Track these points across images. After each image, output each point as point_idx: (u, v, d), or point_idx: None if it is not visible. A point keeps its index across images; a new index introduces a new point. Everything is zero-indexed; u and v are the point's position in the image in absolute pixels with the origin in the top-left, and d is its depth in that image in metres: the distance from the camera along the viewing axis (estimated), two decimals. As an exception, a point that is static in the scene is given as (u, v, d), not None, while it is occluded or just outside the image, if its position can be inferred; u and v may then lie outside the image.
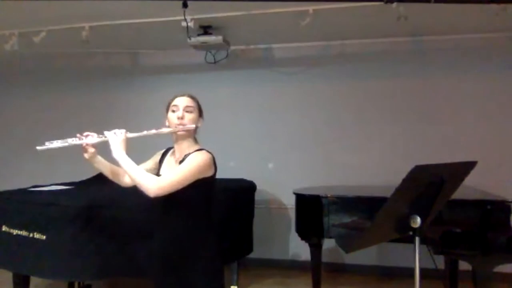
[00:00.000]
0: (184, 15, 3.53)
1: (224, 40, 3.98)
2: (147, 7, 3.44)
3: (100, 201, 2.94)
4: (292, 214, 3.63)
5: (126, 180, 2.04)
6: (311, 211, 3.41)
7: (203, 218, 1.93)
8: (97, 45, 4.51)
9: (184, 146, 1.96)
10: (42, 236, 2.87)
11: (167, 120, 2.00)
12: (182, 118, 1.92)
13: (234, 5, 3.43)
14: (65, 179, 3.87)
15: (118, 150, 1.88)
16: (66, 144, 1.96)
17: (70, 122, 5.31)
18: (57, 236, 2.84)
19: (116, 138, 1.91)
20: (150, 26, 3.88)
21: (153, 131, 1.95)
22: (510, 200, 2.91)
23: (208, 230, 1.94)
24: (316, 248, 3.49)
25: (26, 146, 5.37)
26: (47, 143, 1.93)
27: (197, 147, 1.96)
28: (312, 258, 3.51)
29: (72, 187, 3.61)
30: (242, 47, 4.77)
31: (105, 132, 1.95)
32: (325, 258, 3.62)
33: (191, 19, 3.64)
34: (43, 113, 5.38)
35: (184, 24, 3.62)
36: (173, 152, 2.03)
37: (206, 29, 3.96)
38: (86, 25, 3.82)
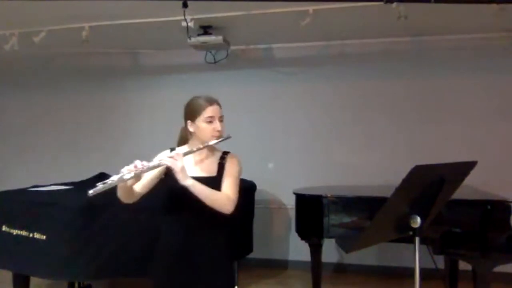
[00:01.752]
0: (184, 15, 3.53)
1: (224, 40, 3.98)
2: (147, 7, 3.43)
3: (100, 201, 2.93)
4: (292, 214, 3.64)
5: (136, 197, 1.93)
6: (311, 211, 3.41)
7: (221, 216, 1.91)
8: (97, 45, 4.51)
9: (208, 150, 1.98)
10: (42, 236, 2.87)
11: (191, 126, 1.94)
12: (220, 131, 1.92)
13: (234, 5, 3.43)
14: (65, 179, 3.87)
15: (185, 176, 1.78)
16: (121, 180, 1.71)
17: (70, 122, 5.32)
18: (57, 236, 2.84)
19: (178, 164, 1.77)
20: (150, 26, 3.88)
21: (201, 146, 1.89)
22: (510, 200, 2.92)
23: (224, 228, 1.97)
24: (316, 248, 3.49)
25: (26, 146, 5.43)
26: (98, 185, 1.67)
27: (217, 149, 2.01)
28: (312, 258, 3.51)
29: (72, 187, 3.61)
30: (242, 47, 4.77)
31: (163, 160, 1.80)
32: (325, 258, 3.62)
33: (191, 19, 3.64)
34: (43, 113, 5.39)
35: (184, 24, 3.62)
36: (188, 148, 1.98)
37: (206, 29, 3.96)
38: (86, 25, 3.81)
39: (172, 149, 2.04)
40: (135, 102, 5.12)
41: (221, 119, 1.95)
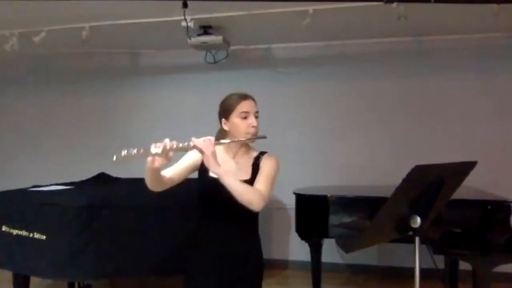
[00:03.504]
0: (184, 15, 3.53)
1: (224, 40, 3.98)
2: (147, 7, 3.43)
3: (100, 201, 2.94)
4: (292, 214, 3.63)
5: (164, 185, 1.80)
6: (311, 211, 3.41)
7: (255, 216, 1.89)
8: (97, 45, 4.52)
9: (243, 150, 1.91)
10: (42, 236, 2.86)
11: (226, 124, 1.86)
12: (256, 127, 1.83)
13: (234, 5, 3.43)
14: (65, 179, 3.87)
15: (216, 163, 1.69)
16: (146, 152, 1.59)
17: (70, 122, 5.32)
18: (57, 236, 2.84)
19: (210, 148, 1.68)
20: (150, 26, 3.88)
21: (237, 139, 1.82)
22: (510, 200, 2.92)
23: (257, 228, 1.94)
24: (316, 248, 3.50)
25: (26, 146, 5.43)
26: (124, 151, 1.54)
27: (254, 149, 1.94)
28: (312, 258, 3.51)
29: (72, 187, 3.61)
30: (242, 47, 4.77)
31: (194, 141, 1.69)
32: (325, 258, 3.62)
33: (191, 19, 3.64)
34: (43, 113, 5.39)
35: (184, 24, 3.62)
36: (223, 149, 1.91)
37: (206, 29, 3.96)
38: (86, 25, 3.81)
39: None
40: (135, 102, 5.12)
41: (256, 115, 1.86)
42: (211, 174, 1.81)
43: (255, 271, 1.92)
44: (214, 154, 1.69)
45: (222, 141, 1.80)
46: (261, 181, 1.81)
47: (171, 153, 1.64)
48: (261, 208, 1.74)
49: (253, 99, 1.88)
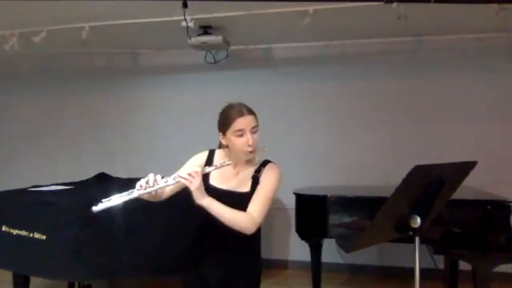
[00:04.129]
0: (184, 15, 3.53)
1: (224, 40, 3.98)
2: (147, 7, 3.43)
3: (100, 201, 2.93)
4: (292, 214, 3.63)
5: (164, 197, 1.84)
6: (311, 211, 3.41)
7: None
8: (97, 45, 4.52)
9: (247, 161, 1.86)
10: (42, 236, 2.86)
11: (223, 138, 1.83)
12: (252, 145, 1.77)
13: (234, 5, 3.43)
14: (65, 179, 3.87)
15: (202, 195, 1.66)
16: (127, 198, 1.63)
17: (70, 122, 5.32)
18: (57, 236, 2.84)
19: (194, 183, 1.64)
20: (150, 26, 3.87)
21: (227, 163, 1.76)
22: (510, 200, 2.92)
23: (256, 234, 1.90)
24: (316, 248, 3.50)
25: (26, 146, 5.43)
26: (104, 201, 1.61)
27: (257, 159, 1.89)
28: (312, 258, 3.51)
29: (72, 187, 3.61)
30: (242, 47, 4.77)
31: (178, 177, 1.67)
32: (325, 258, 3.62)
33: (191, 19, 3.64)
34: (43, 113, 5.38)
35: (184, 24, 3.62)
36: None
37: (206, 29, 3.96)
38: (86, 25, 3.81)
39: (211, 151, 1.94)
40: (135, 102, 5.12)
41: (254, 131, 1.79)
42: (212, 183, 1.83)
43: (252, 278, 1.92)
44: (199, 188, 1.65)
45: (207, 169, 1.74)
46: (256, 202, 1.77)
47: (158, 191, 1.67)
48: (253, 231, 1.73)
49: (251, 114, 1.81)
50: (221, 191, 1.82)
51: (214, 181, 1.86)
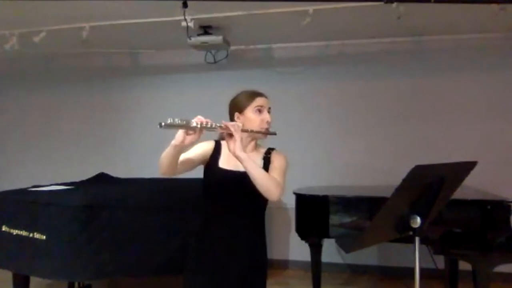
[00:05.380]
0: (184, 15, 3.53)
1: (224, 40, 3.98)
2: (147, 7, 3.44)
3: (100, 201, 2.93)
4: (292, 214, 3.63)
5: (176, 171, 1.78)
6: (311, 211, 3.41)
7: (262, 211, 1.94)
8: (97, 45, 4.52)
9: (252, 143, 1.93)
10: (42, 236, 2.86)
11: (239, 118, 1.86)
12: (269, 122, 1.86)
13: (234, 5, 3.43)
14: (65, 179, 3.87)
15: (241, 147, 1.70)
16: (188, 123, 1.62)
17: (70, 122, 5.32)
18: (57, 236, 2.84)
19: (239, 133, 1.70)
20: (150, 26, 3.88)
21: (255, 130, 1.83)
22: (510, 200, 2.91)
23: (263, 226, 2.02)
24: (316, 248, 3.49)
25: (26, 146, 5.43)
26: (169, 119, 1.59)
27: (262, 146, 1.97)
28: (312, 258, 3.51)
29: (72, 187, 3.60)
30: (242, 47, 4.77)
31: (227, 123, 1.72)
32: (325, 258, 3.61)
33: (191, 19, 3.64)
34: (43, 113, 5.39)
35: (184, 24, 3.62)
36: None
37: (206, 29, 3.96)
38: (86, 25, 3.82)
39: (216, 142, 1.95)
40: (135, 102, 5.12)
41: (269, 111, 1.89)
42: (221, 166, 1.84)
43: (259, 271, 1.93)
44: (241, 139, 1.71)
45: (247, 129, 1.79)
46: (276, 173, 1.83)
47: (204, 131, 1.66)
48: (278, 197, 1.75)
49: (266, 97, 1.92)
50: (232, 173, 1.83)
51: (224, 165, 1.86)
